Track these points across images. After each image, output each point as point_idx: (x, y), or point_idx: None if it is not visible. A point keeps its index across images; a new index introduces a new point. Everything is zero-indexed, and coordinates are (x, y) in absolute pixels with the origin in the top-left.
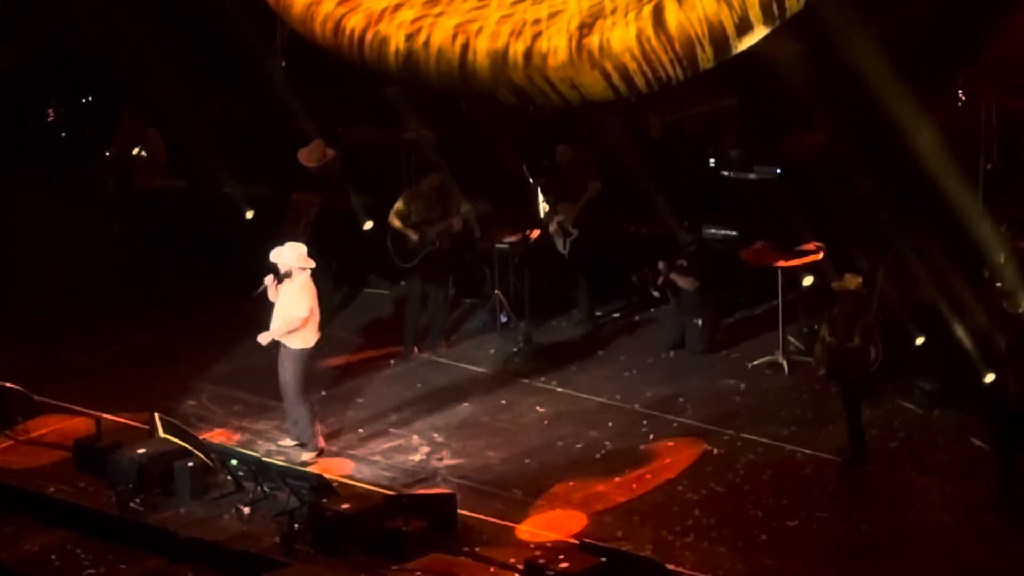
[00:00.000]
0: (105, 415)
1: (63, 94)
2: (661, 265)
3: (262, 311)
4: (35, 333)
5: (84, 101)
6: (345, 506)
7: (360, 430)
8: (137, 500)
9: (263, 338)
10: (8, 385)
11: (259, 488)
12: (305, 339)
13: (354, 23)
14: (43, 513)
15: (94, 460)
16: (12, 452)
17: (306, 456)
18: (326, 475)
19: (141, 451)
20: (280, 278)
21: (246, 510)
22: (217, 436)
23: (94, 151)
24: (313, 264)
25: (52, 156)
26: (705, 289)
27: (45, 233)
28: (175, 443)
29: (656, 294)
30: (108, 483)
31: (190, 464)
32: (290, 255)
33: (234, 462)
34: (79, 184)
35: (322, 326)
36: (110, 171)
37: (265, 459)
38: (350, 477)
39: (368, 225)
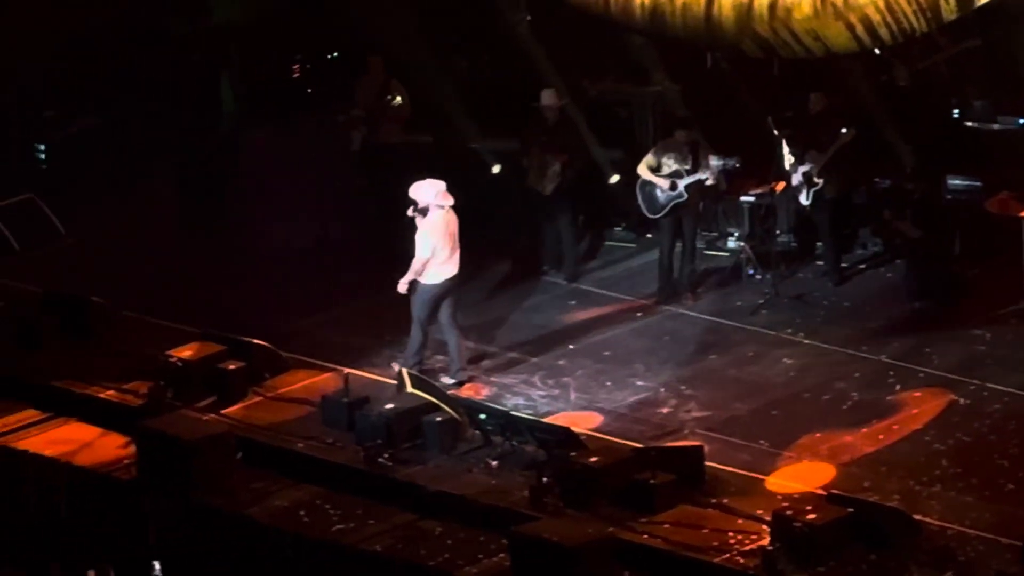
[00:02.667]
0: (353, 370)
1: (308, 50)
2: (887, 214)
3: (507, 265)
4: (281, 288)
5: (329, 57)
6: (593, 459)
7: (608, 383)
8: (385, 455)
9: (400, 286)
10: (255, 341)
11: (507, 442)
12: (428, 275)
13: None
14: (292, 469)
15: (342, 415)
16: (260, 408)
17: (395, 366)
18: (574, 429)
19: (389, 406)
20: (417, 214)
21: (494, 464)
22: (465, 390)
23: (339, 106)
24: (450, 202)
25: (298, 112)
26: (932, 239)
27: (291, 189)
28: (423, 398)
29: (887, 243)
30: (356, 438)
31: (438, 419)
32: (429, 191)
33: (482, 416)
34: (324, 139)
35: (462, 263)
36: (356, 125)
37: (513, 413)
38: (598, 430)
39: (615, 179)
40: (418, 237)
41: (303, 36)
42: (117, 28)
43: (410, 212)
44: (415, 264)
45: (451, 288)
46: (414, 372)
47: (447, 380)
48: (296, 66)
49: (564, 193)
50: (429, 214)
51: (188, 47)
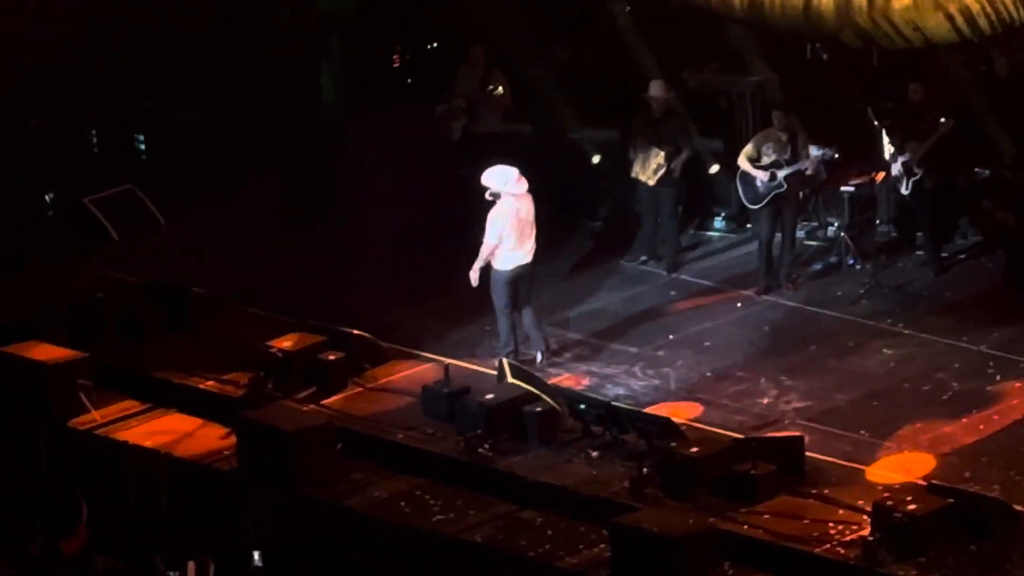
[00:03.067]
0: (453, 361)
1: (409, 40)
2: (986, 203)
3: (607, 256)
4: (382, 279)
5: (430, 47)
6: (694, 450)
7: (708, 373)
8: (486, 446)
9: (472, 276)
10: (356, 332)
11: (607, 432)
12: (500, 260)
13: None
14: (392, 459)
15: (442, 406)
16: (360, 399)
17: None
18: (675, 419)
19: (489, 396)
20: (491, 200)
21: (595, 455)
22: (565, 381)
23: (440, 96)
24: (523, 189)
25: (399, 102)
26: None
27: (391, 178)
28: (523, 388)
29: (987, 233)
30: (456, 429)
31: (538, 409)
32: (499, 178)
33: (583, 406)
34: (425, 129)
35: (537, 250)
36: (457, 115)
37: (614, 403)
38: (698, 420)
39: (715, 169)
40: (487, 223)
41: (404, 26)
42: (218, 18)
43: (488, 196)
44: (482, 251)
45: (524, 273)
46: (514, 362)
47: (536, 358)
48: (397, 56)
49: (667, 184)
50: (500, 200)
51: (290, 37)
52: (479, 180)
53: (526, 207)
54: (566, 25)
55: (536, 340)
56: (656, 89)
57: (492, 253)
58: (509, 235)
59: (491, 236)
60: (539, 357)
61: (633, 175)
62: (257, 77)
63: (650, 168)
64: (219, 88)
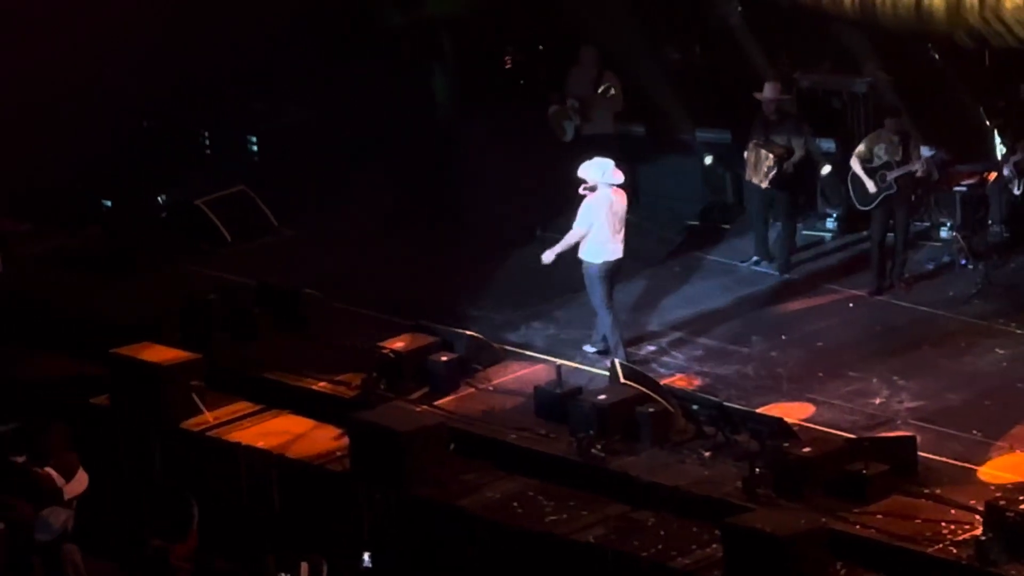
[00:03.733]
0: (565, 361)
1: (521, 41)
2: None
3: (720, 257)
4: (494, 280)
5: (540, 48)
6: (806, 450)
7: (820, 374)
8: (598, 446)
9: (545, 256)
10: (468, 332)
11: (720, 433)
12: (590, 252)
13: None
14: (504, 460)
15: (555, 406)
16: (473, 399)
17: (589, 348)
18: (787, 419)
19: (602, 397)
20: (587, 191)
21: (707, 455)
22: (678, 381)
23: (552, 97)
24: (619, 180)
25: (510, 103)
26: None
27: (504, 180)
28: (636, 389)
29: None
30: (569, 429)
31: (651, 410)
32: (597, 169)
33: (695, 407)
34: (536, 130)
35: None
36: (568, 115)
37: (726, 404)
38: (811, 421)
39: (827, 169)
40: (580, 211)
41: (516, 26)
42: (329, 19)
43: (581, 190)
44: (568, 236)
45: (617, 268)
46: (627, 363)
47: (587, 348)
48: (509, 57)
49: (780, 186)
50: (596, 191)
51: (402, 38)
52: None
53: (620, 201)
54: (678, 25)
55: (598, 334)
56: (769, 90)
57: (576, 241)
58: (602, 227)
59: (582, 224)
60: (590, 349)
61: (747, 177)
62: (369, 77)
63: (762, 170)
64: (331, 89)
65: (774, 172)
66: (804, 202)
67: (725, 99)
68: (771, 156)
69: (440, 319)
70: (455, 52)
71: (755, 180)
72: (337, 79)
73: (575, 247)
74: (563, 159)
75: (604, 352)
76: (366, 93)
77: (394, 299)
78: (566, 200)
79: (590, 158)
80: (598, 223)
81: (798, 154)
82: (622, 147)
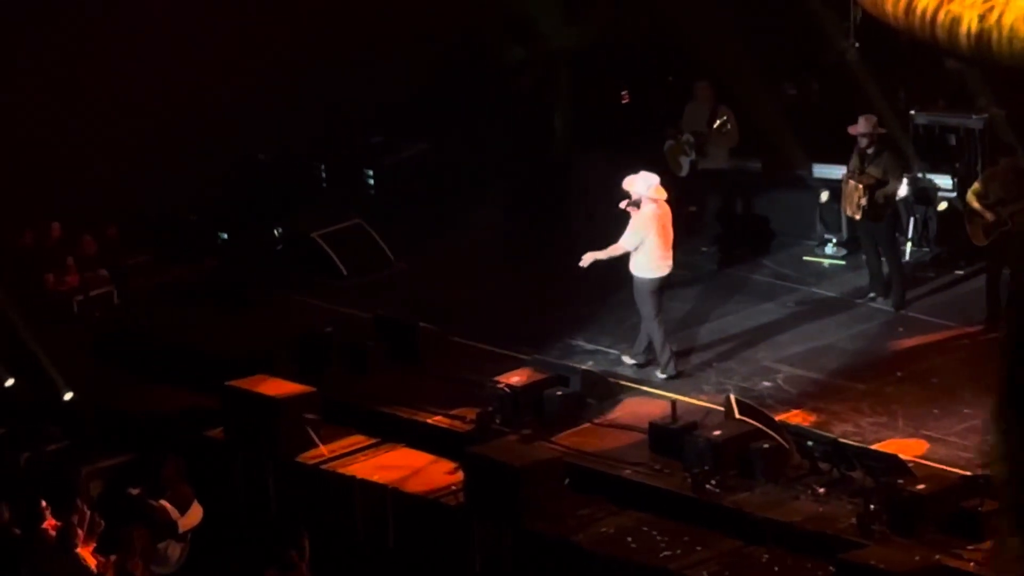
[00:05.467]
0: (680, 397)
1: (638, 76)
2: None
3: (834, 293)
4: (610, 315)
5: (657, 83)
6: (921, 486)
7: (935, 410)
8: (713, 482)
9: (585, 259)
10: (583, 367)
11: (835, 469)
12: (642, 267)
13: (925, 3)
14: (619, 494)
15: (670, 442)
16: (589, 435)
17: (661, 375)
18: (902, 455)
19: (717, 432)
20: (631, 207)
21: (822, 491)
22: (793, 417)
23: (668, 132)
24: (663, 195)
25: (627, 138)
26: None
27: (620, 215)
28: (751, 424)
29: None
30: (684, 464)
31: (765, 445)
32: (641, 185)
33: (810, 443)
34: (653, 164)
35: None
36: (684, 150)
37: (841, 440)
38: (926, 457)
39: (943, 206)
40: (630, 227)
41: (633, 62)
42: (448, 53)
43: (623, 205)
44: (613, 249)
45: (667, 283)
46: (742, 399)
47: (627, 360)
48: (626, 92)
49: (875, 218)
50: (642, 207)
51: (520, 73)
52: (716, 216)
53: (667, 215)
54: (795, 61)
55: (638, 348)
56: (863, 124)
57: (620, 254)
58: (654, 242)
59: (631, 240)
60: (630, 361)
61: (842, 210)
62: (487, 111)
63: (854, 201)
64: (448, 122)
65: (865, 203)
66: (919, 237)
67: (841, 135)
68: (860, 187)
69: (556, 353)
70: (573, 87)
71: (849, 212)
72: (456, 112)
73: (624, 260)
74: (679, 194)
75: (643, 365)
76: (483, 127)
77: (509, 333)
78: (685, 233)
79: (707, 193)
80: (650, 239)
81: (893, 186)
82: (737, 182)
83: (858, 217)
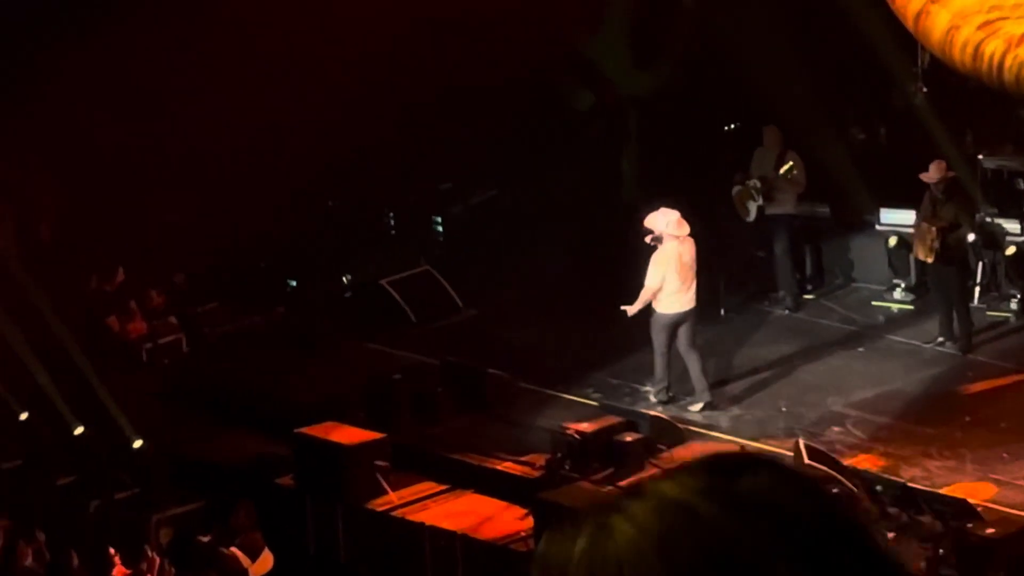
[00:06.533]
0: (748, 441)
1: (705, 120)
2: None
3: (903, 336)
4: (676, 361)
5: (726, 128)
6: (990, 531)
7: (1004, 455)
8: None
9: (630, 309)
10: (653, 413)
11: (904, 514)
12: (662, 304)
13: (993, 47)
14: None
15: None
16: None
17: (652, 398)
18: (971, 500)
19: None
20: (655, 242)
21: (891, 536)
22: (862, 462)
23: (736, 177)
24: (684, 231)
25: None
26: None
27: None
28: (820, 469)
29: None
30: None
31: (835, 491)
32: (661, 221)
33: (879, 488)
34: (721, 209)
35: (699, 296)
36: (752, 195)
37: (910, 484)
38: (995, 501)
39: (1011, 251)
40: (650, 265)
41: (701, 106)
42: (518, 99)
43: (648, 240)
44: (644, 293)
45: (687, 317)
46: (811, 443)
47: (694, 407)
48: (694, 136)
49: (947, 262)
50: (663, 243)
51: (590, 118)
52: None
53: (688, 251)
54: (862, 106)
55: (700, 391)
56: (934, 170)
57: (653, 295)
58: (672, 278)
59: (654, 279)
60: (700, 406)
61: (914, 254)
62: (555, 157)
63: (926, 245)
64: (517, 169)
65: (937, 246)
66: (988, 281)
67: (909, 179)
68: (933, 229)
69: (625, 399)
70: (642, 132)
71: (921, 255)
72: (524, 159)
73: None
74: (746, 239)
75: (667, 402)
76: (552, 173)
77: (578, 378)
78: (752, 279)
79: (774, 238)
80: (669, 275)
81: (964, 230)
82: (805, 227)
83: (930, 260)
